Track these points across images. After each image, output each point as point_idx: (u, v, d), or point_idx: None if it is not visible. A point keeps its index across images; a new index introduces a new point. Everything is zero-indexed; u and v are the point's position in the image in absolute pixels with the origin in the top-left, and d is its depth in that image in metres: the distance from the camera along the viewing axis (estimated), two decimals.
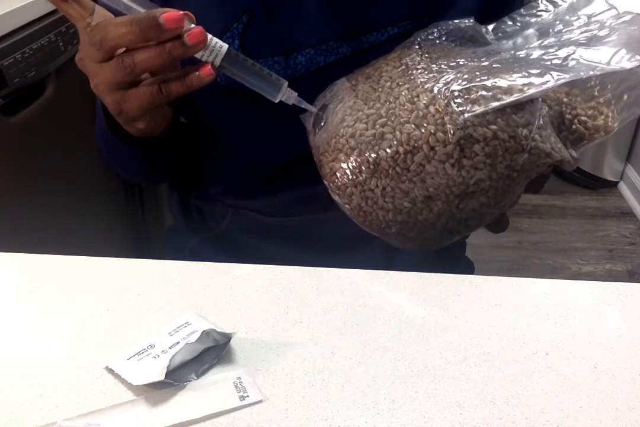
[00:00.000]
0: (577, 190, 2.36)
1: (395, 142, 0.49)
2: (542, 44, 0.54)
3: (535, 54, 0.53)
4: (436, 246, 0.55)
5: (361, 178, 0.50)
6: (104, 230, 1.35)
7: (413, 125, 0.48)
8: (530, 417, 0.45)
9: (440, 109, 0.48)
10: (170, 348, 0.50)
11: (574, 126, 0.53)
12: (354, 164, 0.50)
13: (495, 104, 0.48)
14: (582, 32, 0.54)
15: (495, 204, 0.51)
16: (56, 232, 1.15)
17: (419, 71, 0.52)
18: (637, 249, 2.08)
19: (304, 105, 0.54)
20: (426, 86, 0.50)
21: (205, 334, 0.49)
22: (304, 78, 0.64)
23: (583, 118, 0.53)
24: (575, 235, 2.14)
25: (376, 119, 0.50)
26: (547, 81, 0.49)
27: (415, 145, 0.48)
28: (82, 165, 1.22)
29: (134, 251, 1.45)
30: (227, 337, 0.50)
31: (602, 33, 0.53)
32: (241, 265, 0.60)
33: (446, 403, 0.46)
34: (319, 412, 0.46)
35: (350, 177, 0.50)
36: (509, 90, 0.49)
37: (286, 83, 0.52)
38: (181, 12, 0.46)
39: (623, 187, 2.36)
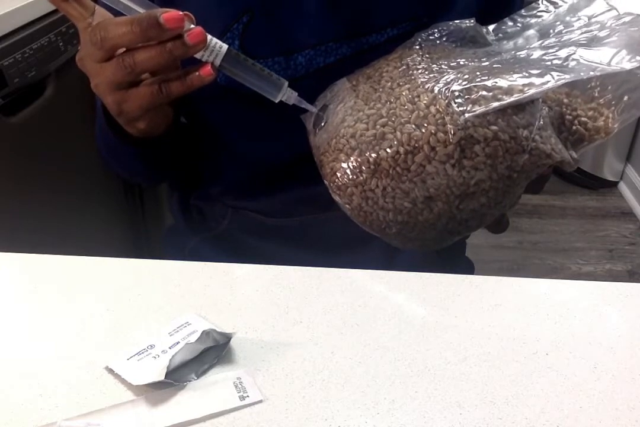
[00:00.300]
0: (577, 190, 2.36)
1: (395, 143, 0.49)
2: (543, 45, 0.54)
3: (536, 54, 0.53)
4: (436, 246, 0.56)
5: (362, 178, 0.50)
6: (104, 230, 1.35)
7: (414, 126, 0.48)
8: (530, 417, 0.45)
9: (441, 109, 0.48)
10: (170, 348, 0.50)
11: (574, 127, 0.53)
12: (354, 164, 0.50)
13: (495, 104, 0.48)
14: (582, 33, 0.54)
15: (496, 204, 0.51)
16: (56, 232, 1.15)
17: (420, 71, 0.52)
18: (637, 249, 2.08)
19: (304, 105, 0.54)
20: (427, 86, 0.50)
21: (205, 334, 0.49)
22: (304, 78, 0.64)
23: (583, 119, 0.53)
24: (575, 235, 2.14)
25: (377, 119, 0.50)
26: (548, 81, 0.49)
27: (416, 145, 0.48)
28: (82, 165, 1.22)
29: (134, 251, 1.45)
30: (227, 337, 0.50)
31: (602, 34, 0.53)
32: (241, 265, 0.60)
33: (446, 403, 0.46)
34: (319, 412, 0.46)
35: (350, 177, 0.50)
36: (509, 91, 0.49)
37: (286, 83, 0.52)
38: (181, 13, 0.46)
39: (623, 187, 2.36)
